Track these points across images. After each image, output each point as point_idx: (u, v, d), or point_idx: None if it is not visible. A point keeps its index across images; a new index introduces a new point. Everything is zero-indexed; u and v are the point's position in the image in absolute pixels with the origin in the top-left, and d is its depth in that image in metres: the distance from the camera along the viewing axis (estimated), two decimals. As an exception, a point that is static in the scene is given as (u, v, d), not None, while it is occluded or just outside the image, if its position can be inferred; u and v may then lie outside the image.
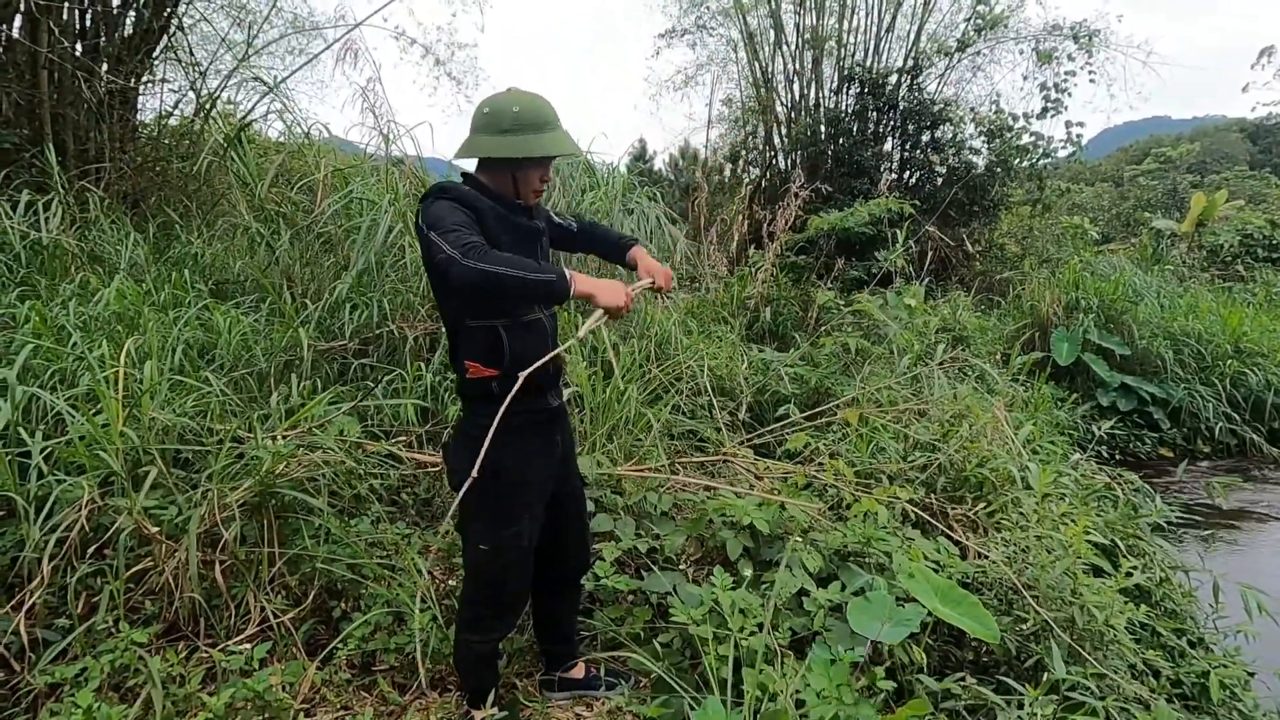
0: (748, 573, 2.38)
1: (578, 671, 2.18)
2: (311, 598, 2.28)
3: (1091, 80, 9.90)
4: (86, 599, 2.14)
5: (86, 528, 2.04)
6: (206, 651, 2.03)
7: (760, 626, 2.02)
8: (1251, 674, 2.59)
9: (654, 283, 1.87)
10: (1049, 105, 9.87)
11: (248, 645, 2.05)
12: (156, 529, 2.07)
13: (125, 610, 2.08)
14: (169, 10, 5.83)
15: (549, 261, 1.87)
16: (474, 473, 1.54)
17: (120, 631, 1.95)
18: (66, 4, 5.05)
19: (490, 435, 1.56)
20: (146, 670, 1.84)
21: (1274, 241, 13.01)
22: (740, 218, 7.07)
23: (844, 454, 3.30)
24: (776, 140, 11.37)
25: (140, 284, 3.82)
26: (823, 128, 10.61)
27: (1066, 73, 9.83)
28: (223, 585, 2.14)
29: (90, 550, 2.09)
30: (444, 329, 1.89)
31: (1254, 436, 6.41)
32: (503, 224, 1.71)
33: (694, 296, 6.00)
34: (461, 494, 1.76)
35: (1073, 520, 2.50)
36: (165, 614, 2.14)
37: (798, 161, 10.57)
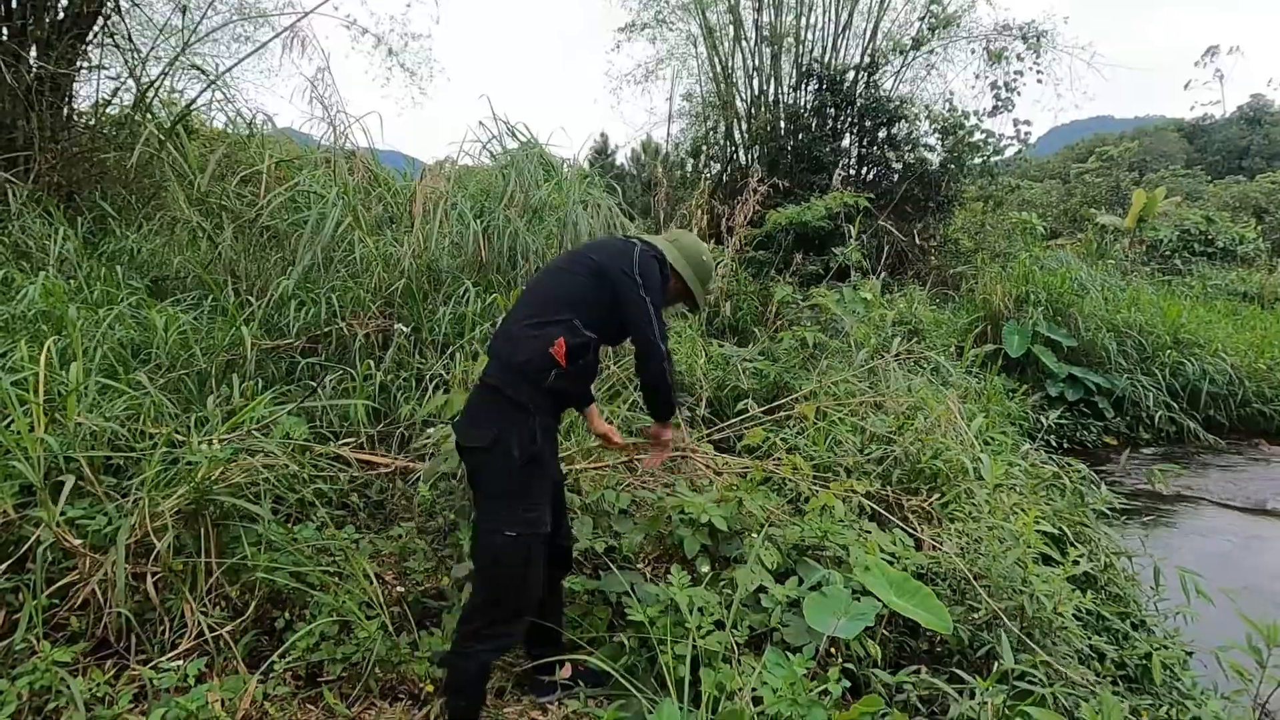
0: (705, 570, 2.36)
1: (565, 672, 2.14)
2: (253, 608, 2.18)
3: (1039, 80, 10.18)
4: (6, 617, 2.01)
5: (-3, 541, 1.91)
6: (137, 669, 1.92)
7: (718, 624, 2.00)
8: (1190, 653, 2.69)
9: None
10: (999, 104, 10.12)
11: (182, 661, 1.94)
12: (80, 540, 1.95)
13: (48, 628, 1.96)
14: (101, -7, 5.54)
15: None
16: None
17: (41, 650, 1.83)
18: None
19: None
20: (69, 691, 1.72)
21: (1209, 237, 13.63)
22: (700, 212, 7.07)
23: (802, 448, 3.31)
24: (737, 135, 11.41)
25: (71, 280, 3.61)
26: (782, 123, 10.68)
27: (1015, 72, 10.09)
28: (155, 598, 2.03)
29: (6, 565, 1.95)
30: (529, 307, 1.92)
31: (1191, 424, 6.70)
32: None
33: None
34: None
35: (1023, 510, 2.55)
36: (93, 630, 2.02)
37: (758, 157, 10.64)
